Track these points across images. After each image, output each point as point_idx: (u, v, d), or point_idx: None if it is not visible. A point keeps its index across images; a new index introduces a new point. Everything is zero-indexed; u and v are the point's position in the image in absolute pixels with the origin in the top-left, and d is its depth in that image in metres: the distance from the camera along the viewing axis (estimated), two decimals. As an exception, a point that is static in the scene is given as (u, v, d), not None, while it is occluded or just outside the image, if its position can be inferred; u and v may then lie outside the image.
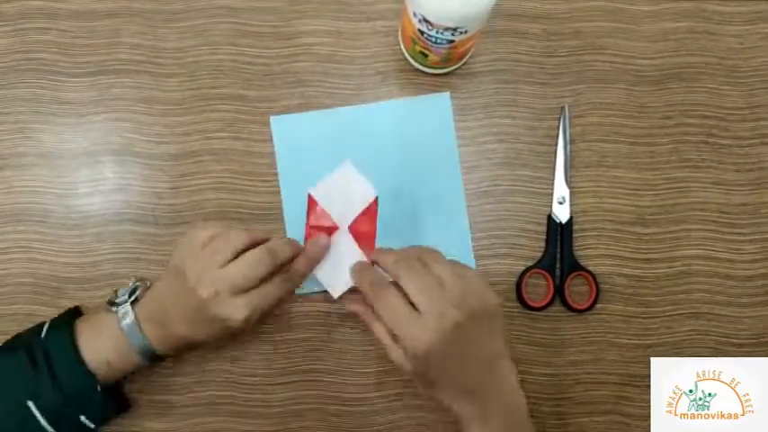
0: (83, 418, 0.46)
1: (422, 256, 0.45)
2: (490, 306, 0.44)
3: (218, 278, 0.43)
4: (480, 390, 0.44)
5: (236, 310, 0.43)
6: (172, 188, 0.55)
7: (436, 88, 0.57)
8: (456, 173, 0.56)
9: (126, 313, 0.46)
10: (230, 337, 0.51)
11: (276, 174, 0.55)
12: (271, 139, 0.56)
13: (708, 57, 0.57)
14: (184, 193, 0.55)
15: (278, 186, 0.55)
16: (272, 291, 0.46)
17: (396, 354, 0.44)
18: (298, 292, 0.54)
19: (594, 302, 0.54)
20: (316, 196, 0.52)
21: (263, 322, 0.54)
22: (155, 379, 0.53)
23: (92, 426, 0.47)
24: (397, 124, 0.56)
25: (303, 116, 0.56)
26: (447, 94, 0.57)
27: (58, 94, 0.56)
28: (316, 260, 0.50)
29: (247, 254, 0.45)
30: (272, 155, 0.56)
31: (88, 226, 0.55)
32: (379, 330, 0.45)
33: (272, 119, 0.56)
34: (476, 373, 0.44)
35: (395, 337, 0.43)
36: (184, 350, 0.49)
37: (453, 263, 0.45)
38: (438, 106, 0.57)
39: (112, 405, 0.48)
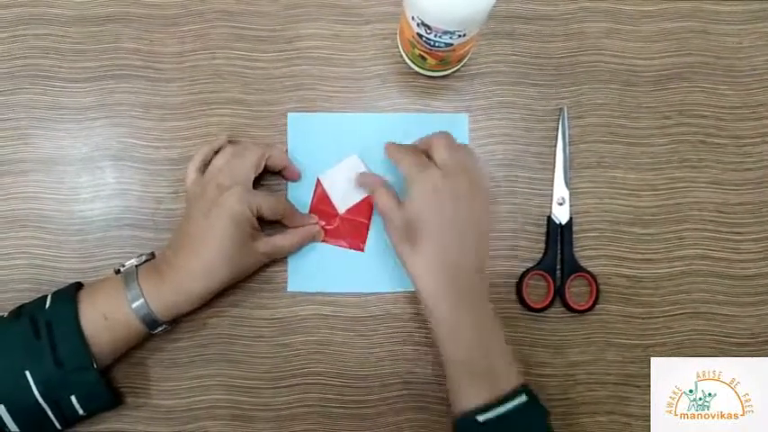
0: (74, 399, 0.46)
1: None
2: (489, 203, 0.52)
3: (216, 177, 0.50)
4: (454, 271, 0.47)
5: (232, 194, 0.48)
6: (171, 193, 0.55)
7: (434, 91, 0.57)
8: None
9: (128, 270, 0.50)
10: (231, 257, 0.49)
11: (275, 178, 0.56)
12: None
13: (705, 56, 0.57)
14: (184, 198, 0.55)
15: (277, 189, 0.56)
16: (264, 195, 0.50)
17: (391, 203, 0.49)
18: (296, 288, 0.54)
19: (595, 303, 0.55)
20: (323, 182, 0.55)
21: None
22: (155, 384, 0.54)
23: (81, 411, 0.47)
24: (411, 137, 0.55)
25: (318, 116, 0.56)
26: (465, 116, 0.56)
27: (57, 100, 0.56)
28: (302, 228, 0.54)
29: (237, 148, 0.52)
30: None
31: (89, 231, 0.55)
32: (382, 192, 0.50)
33: (289, 115, 0.56)
34: (457, 248, 0.47)
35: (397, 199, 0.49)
36: (178, 300, 0.49)
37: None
38: (455, 126, 0.56)
39: (104, 389, 0.47)
